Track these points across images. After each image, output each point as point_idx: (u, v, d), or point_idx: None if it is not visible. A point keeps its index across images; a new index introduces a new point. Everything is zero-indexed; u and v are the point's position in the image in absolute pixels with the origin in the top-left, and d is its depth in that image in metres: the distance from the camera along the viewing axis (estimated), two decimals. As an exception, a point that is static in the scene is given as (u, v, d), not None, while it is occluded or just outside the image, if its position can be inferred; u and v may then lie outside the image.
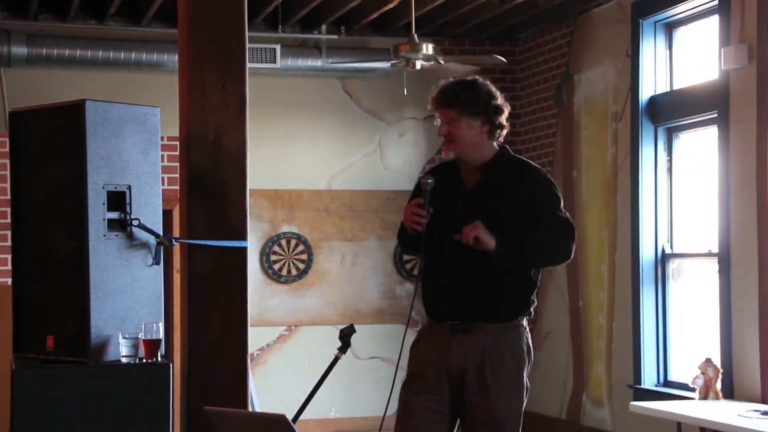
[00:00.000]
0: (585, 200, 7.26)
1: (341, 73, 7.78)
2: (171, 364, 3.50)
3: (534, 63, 7.94)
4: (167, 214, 6.99)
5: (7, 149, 3.67)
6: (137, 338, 3.45)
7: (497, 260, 3.44)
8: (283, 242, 7.76)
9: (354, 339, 3.84)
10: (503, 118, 3.57)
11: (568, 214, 3.55)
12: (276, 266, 7.73)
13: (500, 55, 7.20)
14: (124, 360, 3.44)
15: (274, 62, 7.32)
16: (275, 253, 7.74)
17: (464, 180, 3.58)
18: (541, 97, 7.86)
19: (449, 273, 3.52)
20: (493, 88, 3.59)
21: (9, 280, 4.79)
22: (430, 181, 3.50)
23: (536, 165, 3.63)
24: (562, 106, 7.58)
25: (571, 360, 7.37)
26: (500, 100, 3.57)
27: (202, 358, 3.64)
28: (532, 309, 3.58)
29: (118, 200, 3.48)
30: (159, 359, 3.49)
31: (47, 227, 3.54)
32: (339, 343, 3.81)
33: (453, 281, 3.51)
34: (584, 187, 7.28)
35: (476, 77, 3.63)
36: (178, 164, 3.86)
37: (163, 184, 3.68)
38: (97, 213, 3.42)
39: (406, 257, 7.86)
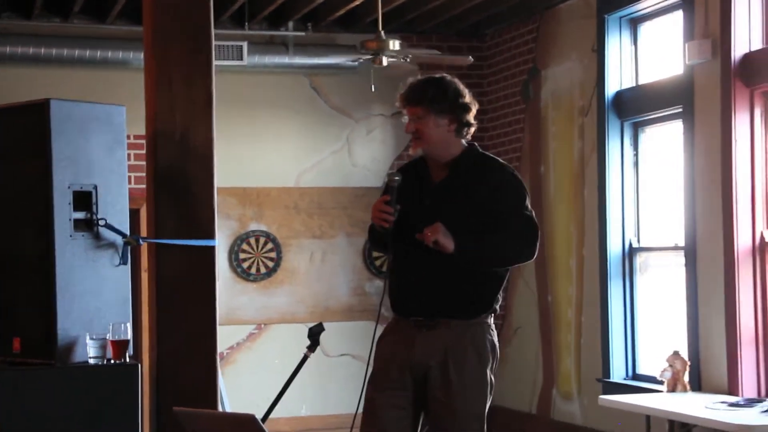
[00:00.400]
0: (552, 195, 7.28)
1: (308, 69, 7.75)
2: (139, 365, 3.49)
3: (501, 59, 7.96)
4: (134, 213, 6.91)
5: (-30, 149, 3.62)
6: (105, 339, 3.42)
7: (457, 260, 3.45)
8: (252, 240, 7.72)
9: (324, 336, 3.82)
10: (471, 116, 3.57)
11: (533, 213, 3.56)
12: (245, 264, 7.70)
13: (467, 51, 7.23)
14: (91, 361, 3.42)
15: (241, 59, 7.28)
16: (244, 251, 7.70)
17: (432, 177, 3.59)
18: (508, 93, 7.87)
19: (415, 270, 3.52)
20: (461, 86, 3.59)
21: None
22: (397, 178, 3.51)
23: (504, 162, 3.63)
24: (529, 101, 7.60)
25: (540, 354, 7.40)
26: (468, 97, 3.58)
27: (170, 358, 3.62)
28: (497, 306, 3.58)
29: (84, 200, 3.46)
30: (127, 360, 3.47)
31: (13, 227, 3.51)
32: (309, 342, 3.79)
33: (419, 278, 3.51)
34: (552, 182, 7.30)
35: (444, 75, 3.63)
36: (144, 163, 3.83)
37: (129, 183, 3.66)
38: (63, 213, 3.40)
39: (375, 254, 7.85)
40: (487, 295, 3.54)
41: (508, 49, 7.85)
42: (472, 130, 3.60)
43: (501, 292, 3.58)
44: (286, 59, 7.57)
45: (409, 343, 3.50)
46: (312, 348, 3.64)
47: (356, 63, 6.56)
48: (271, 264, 7.75)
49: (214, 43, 3.71)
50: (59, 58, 7.15)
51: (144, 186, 3.80)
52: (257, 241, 7.74)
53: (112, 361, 3.44)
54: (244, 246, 7.71)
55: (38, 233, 3.43)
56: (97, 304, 3.48)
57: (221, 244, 7.55)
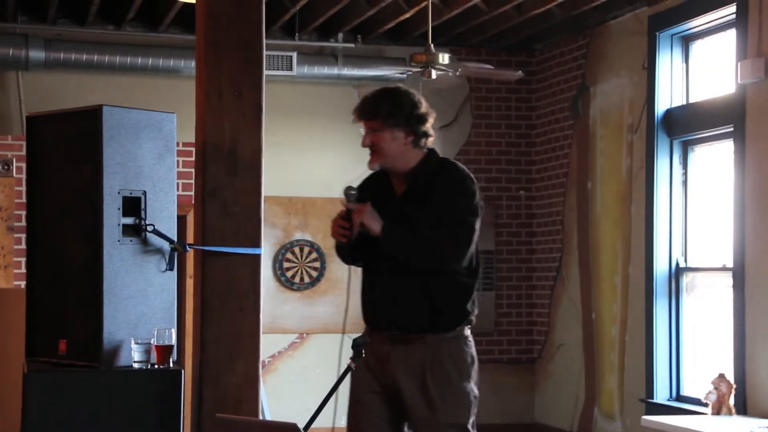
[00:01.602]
0: (599, 212, 7.24)
1: (357, 81, 7.78)
2: (183, 371, 3.50)
3: (550, 74, 7.93)
4: (181, 220, 7.01)
5: (24, 153, 3.68)
6: (149, 344, 3.45)
7: (383, 249, 3.40)
8: (297, 249, 7.76)
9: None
10: (428, 127, 3.52)
11: (474, 219, 3.44)
12: (289, 273, 7.73)
13: (516, 66, 7.21)
14: (136, 365, 3.44)
15: (291, 70, 7.33)
16: (288, 260, 7.74)
17: (395, 190, 3.56)
18: (556, 108, 7.84)
19: (384, 284, 3.49)
20: (417, 97, 3.55)
21: (23, 284, 4.80)
22: (353, 192, 3.47)
23: (458, 165, 3.56)
24: (577, 117, 7.56)
25: (583, 372, 7.34)
26: (424, 108, 3.53)
27: (213, 364, 3.65)
28: (472, 318, 3.53)
29: (133, 206, 3.48)
30: (171, 365, 3.49)
31: (62, 232, 3.54)
32: (351, 352, 3.80)
33: (388, 293, 3.47)
34: (599, 199, 7.26)
35: (399, 86, 3.59)
36: (193, 170, 3.87)
37: (177, 190, 3.68)
38: (112, 218, 3.43)
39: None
40: (458, 306, 3.48)
41: (557, 64, 7.83)
42: (431, 140, 3.55)
43: (472, 301, 3.52)
44: (335, 70, 7.61)
45: (384, 358, 3.45)
46: (356, 358, 3.64)
47: (405, 75, 6.57)
48: (314, 273, 7.77)
49: (264, 53, 3.74)
50: (112, 65, 7.24)
51: (191, 193, 3.84)
52: (301, 250, 7.77)
53: (156, 366, 3.46)
54: (289, 255, 7.74)
55: (87, 237, 3.46)
56: (142, 308, 3.51)
57: (266, 252, 7.58)
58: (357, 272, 8.30)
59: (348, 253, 3.53)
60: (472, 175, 3.55)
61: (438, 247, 3.41)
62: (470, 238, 3.44)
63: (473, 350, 3.53)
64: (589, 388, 7.28)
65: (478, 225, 3.48)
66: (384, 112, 3.47)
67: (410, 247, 3.41)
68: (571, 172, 7.63)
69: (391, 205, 3.50)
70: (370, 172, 3.65)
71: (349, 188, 3.49)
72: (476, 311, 3.55)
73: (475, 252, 3.51)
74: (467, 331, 3.52)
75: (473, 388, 3.49)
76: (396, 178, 3.56)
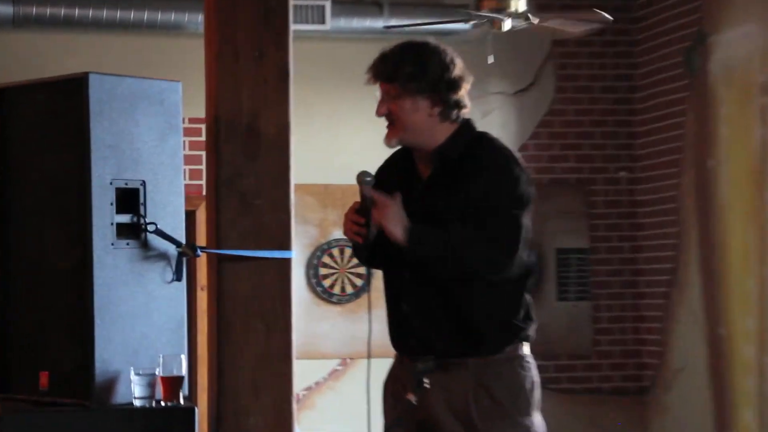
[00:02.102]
0: (725, 197, 7.18)
1: (408, 36, 7.76)
2: (196, 409, 3.53)
3: (657, 21, 7.88)
4: (190, 216, 7.04)
5: (-9, 134, 3.72)
6: (154, 375, 3.48)
7: (407, 256, 3.44)
8: (335, 252, 7.77)
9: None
10: (461, 94, 3.54)
11: (521, 217, 3.44)
12: (326, 282, 7.75)
13: (614, 12, 7.15)
14: (137, 403, 3.47)
15: (324, 23, 7.34)
16: (325, 265, 7.76)
17: (420, 173, 3.57)
18: (666, 65, 7.79)
19: (407, 298, 3.52)
20: (449, 55, 3.55)
21: (-8, 301, 4.86)
22: (368, 179, 3.50)
23: (500, 144, 3.55)
24: (693, 75, 7.51)
25: (710, 404, 7.29)
26: (457, 70, 3.53)
27: (234, 400, 3.66)
28: (529, 332, 3.52)
29: (129, 199, 3.51)
30: (181, 402, 3.51)
31: (41, 234, 3.58)
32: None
33: (415, 307, 3.50)
34: (723, 180, 7.20)
35: (427, 41, 3.58)
36: (203, 153, 3.89)
37: (185, 179, 3.71)
38: (104, 216, 3.46)
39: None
40: (505, 320, 3.48)
41: (666, 8, 7.77)
42: (466, 111, 3.56)
43: (525, 312, 3.51)
44: (379, 22, 7.60)
45: (419, 393, 3.48)
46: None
47: (470, 27, 6.56)
48: (359, 282, 7.78)
49: (290, 1, 3.75)
50: (98, 21, 7.28)
51: (202, 182, 3.86)
52: (342, 252, 7.78)
53: (163, 403, 3.49)
54: (326, 259, 7.75)
55: (72, 241, 3.49)
56: (144, 330, 3.53)
57: (297, 256, 7.61)
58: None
59: (368, 254, 3.57)
60: (516, 154, 3.55)
61: (478, 253, 3.41)
62: (517, 238, 3.43)
63: (534, 373, 3.53)
64: (719, 422, 7.23)
65: (527, 220, 3.46)
66: (405, 74, 3.49)
67: (443, 256, 3.41)
68: (686, 146, 7.57)
69: (414, 194, 3.52)
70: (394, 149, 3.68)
71: (363, 174, 3.53)
72: (534, 324, 3.54)
73: (527, 252, 3.50)
74: (524, 350, 3.52)
75: (537, 422, 3.49)
76: (421, 159, 3.58)
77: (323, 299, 7.76)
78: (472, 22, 6.52)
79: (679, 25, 7.65)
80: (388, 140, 3.57)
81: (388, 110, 3.54)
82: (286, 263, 3.73)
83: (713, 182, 7.30)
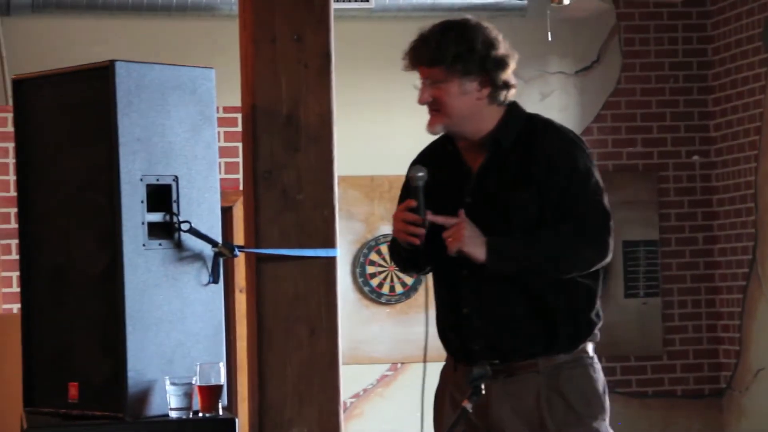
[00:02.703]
0: (808, 182, 7.12)
1: (459, 12, 7.75)
2: (236, 420, 3.54)
3: (731, -11, 7.82)
4: (227, 214, 7.07)
5: (11, 129, 3.74)
6: (190, 385, 3.49)
7: (490, 271, 3.43)
8: (384, 248, 7.77)
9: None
10: (509, 74, 3.51)
11: (605, 202, 3.46)
12: (374, 282, 7.76)
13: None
14: (173, 414, 3.49)
15: (367, 1, 7.34)
16: (373, 263, 7.76)
17: (467, 162, 3.56)
18: (742, 37, 7.73)
19: (471, 297, 3.51)
20: (493, 32, 3.53)
21: (16, 307, 4.89)
22: (421, 174, 3.48)
23: (559, 125, 3.56)
24: (772, 49, 7.45)
25: (792, 408, 7.25)
26: (503, 47, 3.52)
27: (277, 411, 3.68)
28: (597, 331, 3.53)
29: (161, 197, 3.52)
30: (220, 412, 3.53)
31: (68, 235, 3.60)
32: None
33: (478, 307, 3.50)
34: (807, 164, 7.14)
35: (468, 18, 3.56)
36: (240, 145, 3.90)
37: (220, 173, 3.72)
38: (134, 215, 3.47)
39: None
40: (580, 316, 3.49)
41: (741, -23, 7.72)
42: (512, 92, 3.54)
43: (597, 309, 3.52)
44: (428, -1, 7.60)
45: (482, 405, 3.43)
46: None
47: (526, 2, 6.53)
48: (409, 281, 7.78)
49: (332, -20, 3.76)
50: (123, 5, 7.31)
51: (240, 176, 3.87)
52: (391, 249, 7.79)
53: (201, 414, 3.50)
54: (373, 256, 7.76)
55: (100, 243, 3.50)
56: (179, 336, 3.54)
57: (341, 253, 7.59)
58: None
59: (416, 258, 3.55)
60: (576, 133, 3.57)
61: (572, 254, 3.42)
62: (608, 225, 3.45)
63: (602, 376, 3.54)
64: (801, 430, 7.18)
65: (608, 204, 3.48)
66: (450, 54, 3.47)
67: (532, 267, 3.43)
68: (766, 126, 7.51)
69: (464, 187, 3.51)
70: (435, 137, 3.69)
71: (416, 169, 3.50)
72: (601, 322, 3.55)
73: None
74: (591, 350, 3.54)
75: (607, 428, 3.50)
76: (468, 148, 3.57)
77: (371, 300, 7.76)
78: (528, -3, 6.50)
79: (751, 8, 7.59)
80: (432, 128, 3.58)
81: (432, 97, 3.53)
82: (331, 262, 3.75)
83: (795, 166, 7.24)
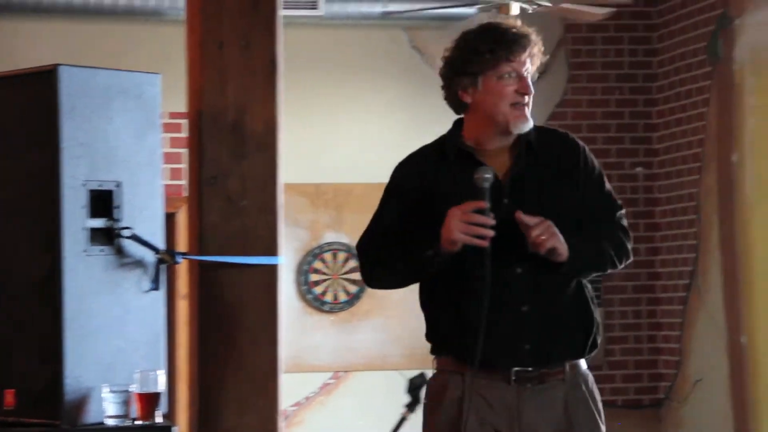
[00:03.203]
0: (751, 195, 7.17)
1: (408, 22, 7.76)
2: (175, 428, 3.51)
3: (679, 3, 7.88)
4: (170, 220, 7.04)
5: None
6: (129, 392, 3.47)
7: (566, 270, 3.47)
8: (328, 256, 7.77)
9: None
10: None
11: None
12: (318, 289, 7.75)
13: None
14: (110, 422, 3.46)
15: (316, 8, 7.34)
16: (317, 271, 7.75)
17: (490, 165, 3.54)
18: (687, 51, 7.79)
19: (530, 296, 3.48)
20: None
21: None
22: (488, 175, 3.44)
23: (565, 132, 3.68)
24: (718, 62, 7.50)
25: (730, 417, 7.29)
26: None
27: (217, 419, 3.67)
28: None
29: (103, 202, 3.50)
30: (159, 420, 3.50)
31: (6, 240, 3.57)
32: (406, 398, 3.80)
33: (539, 306, 3.48)
34: (749, 176, 7.19)
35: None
36: (185, 151, 3.88)
37: (164, 179, 3.70)
38: (75, 220, 3.45)
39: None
40: (595, 316, 3.57)
41: (687, -11, 7.77)
42: None
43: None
44: (377, 7, 7.60)
45: (509, 410, 3.46)
46: (412, 406, 3.63)
47: (475, 12, 6.54)
48: (353, 289, 7.78)
49: (280, -14, 3.75)
50: (69, 7, 7.27)
51: (184, 182, 3.85)
52: (335, 257, 7.78)
53: (139, 422, 3.48)
54: (317, 264, 7.75)
55: (41, 248, 3.48)
56: (118, 343, 3.52)
57: (285, 261, 7.58)
58: (413, 285, 8.33)
59: (486, 262, 3.43)
60: None
61: (623, 248, 3.57)
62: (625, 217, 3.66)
63: None
64: (739, 441, 7.23)
65: None
66: (538, 51, 3.57)
67: (600, 261, 3.55)
68: (708, 139, 7.56)
69: (497, 197, 3.46)
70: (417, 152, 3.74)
71: (483, 170, 3.45)
72: None
73: None
74: None
75: None
76: (486, 152, 3.55)
77: (315, 308, 7.75)
78: (477, 6, 6.51)
79: (702, 7, 7.64)
80: (526, 124, 3.52)
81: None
82: (274, 270, 3.74)
83: (737, 179, 7.29)
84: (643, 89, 8.20)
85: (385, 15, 7.61)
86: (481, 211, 3.42)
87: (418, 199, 3.57)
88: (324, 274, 7.78)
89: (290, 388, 7.44)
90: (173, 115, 5.70)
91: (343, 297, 7.78)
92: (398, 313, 7.81)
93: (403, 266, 3.59)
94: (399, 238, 3.55)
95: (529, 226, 3.38)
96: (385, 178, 8.72)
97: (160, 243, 3.59)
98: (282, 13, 3.77)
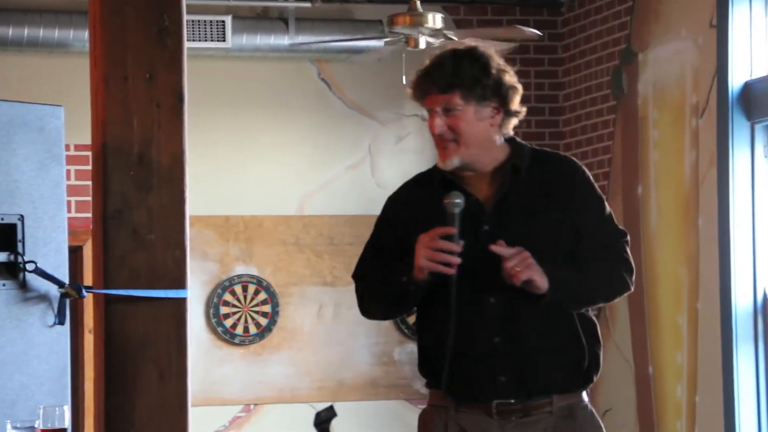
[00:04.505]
0: (655, 226, 7.24)
1: (316, 54, 7.77)
2: (81, 465, 3.47)
3: (583, 37, 7.95)
4: (76, 254, 6.98)
5: None
6: (33, 428, 3.42)
7: (546, 303, 3.37)
8: (238, 289, 7.73)
9: (337, 423, 3.81)
10: (517, 101, 3.48)
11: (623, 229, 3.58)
12: (228, 322, 7.70)
13: (536, 27, 7.22)
14: (14, 459, 3.41)
15: (224, 40, 7.32)
16: (227, 303, 7.71)
17: (474, 193, 3.47)
18: (592, 85, 7.86)
19: (503, 326, 3.40)
20: (501, 59, 3.49)
21: None
22: (458, 201, 3.37)
23: (564, 154, 3.64)
24: (621, 96, 7.58)
25: (638, 448, 7.34)
26: (513, 76, 3.48)
27: (125, 454, 3.62)
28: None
29: (5, 236, 3.48)
30: (64, 457, 3.46)
31: None
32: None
33: (512, 337, 3.39)
34: (653, 209, 7.26)
35: (475, 45, 3.49)
36: (90, 184, 3.84)
37: (69, 212, 3.67)
38: (-23, 254, 3.42)
39: (408, 308, 7.83)
40: (595, 347, 3.49)
41: (592, 23, 7.85)
42: (515, 121, 3.52)
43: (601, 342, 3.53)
44: (284, 39, 7.60)
45: None
46: None
47: (383, 45, 6.57)
48: (264, 321, 7.75)
49: (185, 17, 3.72)
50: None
51: (89, 215, 3.81)
52: (245, 289, 7.74)
53: (44, 460, 3.44)
54: (227, 296, 7.71)
55: (-58, 281, 3.45)
56: (22, 379, 3.49)
57: (195, 294, 7.55)
58: (323, 318, 8.32)
59: (451, 291, 3.38)
60: None
61: (616, 278, 3.46)
62: (628, 249, 3.52)
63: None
64: (647, 470, 7.27)
65: None
66: (468, 78, 3.38)
67: (586, 294, 3.44)
68: (613, 172, 7.63)
69: (477, 216, 3.41)
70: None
71: (454, 196, 3.38)
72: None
73: None
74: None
75: None
76: (471, 179, 3.47)
77: (225, 340, 7.70)
78: (385, 39, 6.53)
79: (606, 42, 7.72)
80: (448, 161, 3.41)
81: (447, 126, 3.40)
82: (182, 303, 3.70)
83: (642, 211, 7.35)
84: (549, 122, 8.26)
85: (293, 47, 7.61)
86: (449, 238, 3.35)
87: (405, 227, 3.49)
88: (234, 306, 7.73)
89: (200, 421, 7.37)
90: (79, 147, 5.66)
91: (253, 329, 7.75)
92: (309, 346, 7.79)
93: (384, 294, 3.53)
94: (386, 265, 3.50)
95: (504, 257, 3.31)
96: (293, 211, 8.73)
97: (65, 277, 3.56)
98: (188, 45, 3.76)
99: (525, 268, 3.30)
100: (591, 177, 3.52)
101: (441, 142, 3.43)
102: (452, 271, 3.34)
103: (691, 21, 6.98)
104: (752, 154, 6.60)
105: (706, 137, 6.83)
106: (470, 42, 3.53)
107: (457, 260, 3.33)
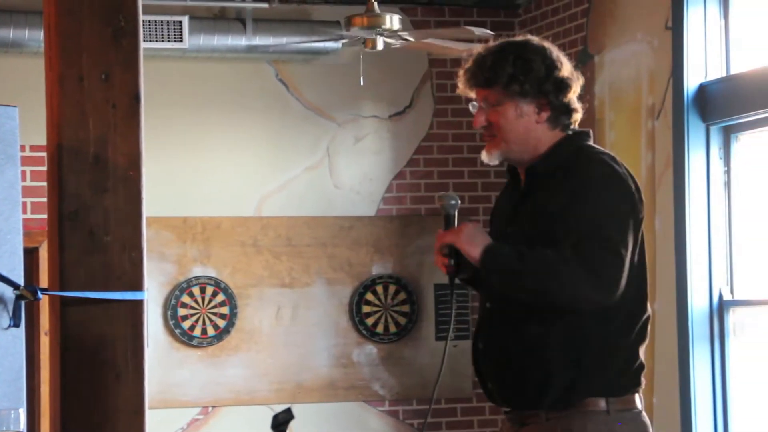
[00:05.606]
0: (612, 227, 7.26)
1: (274, 55, 7.76)
2: (37, 468, 3.45)
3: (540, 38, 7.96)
4: (31, 255, 6.94)
5: None
6: (-12, 431, 3.40)
7: (483, 276, 3.30)
8: (196, 290, 7.71)
9: (295, 426, 3.81)
10: (571, 97, 3.38)
11: (618, 241, 3.23)
12: (186, 324, 7.68)
13: (493, 29, 7.23)
14: (-31, 463, 3.39)
15: (181, 41, 7.30)
16: (185, 305, 7.69)
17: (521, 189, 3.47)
18: (549, 87, 7.88)
19: (487, 333, 3.39)
20: (555, 53, 3.41)
21: None
22: (452, 202, 3.37)
23: (600, 157, 3.37)
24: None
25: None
26: (566, 70, 3.38)
27: (81, 457, 3.60)
28: (642, 376, 3.34)
29: (-41, 238, 3.44)
30: (20, 460, 3.44)
31: None
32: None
33: (489, 345, 3.37)
34: (611, 210, 7.28)
35: (529, 39, 3.46)
36: (45, 185, 3.82)
37: (25, 213, 3.64)
38: (-70, 256, 3.38)
39: (365, 309, 7.82)
40: (597, 360, 3.27)
41: (549, 25, 7.87)
42: (577, 117, 3.42)
43: (622, 357, 3.30)
44: (242, 40, 7.59)
45: None
46: None
47: (340, 46, 6.56)
48: (222, 323, 7.73)
49: (142, 18, 3.71)
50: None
51: (45, 216, 3.79)
52: (203, 291, 7.72)
53: (-1, 463, 3.42)
54: (185, 298, 7.69)
55: None
56: (-23, 382, 3.46)
57: (153, 296, 7.52)
58: (282, 320, 8.32)
59: (449, 289, 3.41)
60: (621, 168, 3.34)
61: (567, 283, 3.20)
62: (614, 264, 3.21)
63: (638, 429, 3.33)
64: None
65: (628, 245, 3.25)
66: (506, 75, 3.34)
67: (522, 278, 3.23)
68: (571, 173, 7.66)
69: (503, 225, 3.46)
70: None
71: (447, 197, 3.38)
72: (641, 364, 3.34)
73: (632, 283, 3.28)
74: (622, 402, 3.32)
75: None
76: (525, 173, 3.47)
77: (182, 342, 7.68)
78: (342, 41, 6.53)
79: (563, 43, 7.74)
80: (489, 155, 3.38)
81: (487, 121, 3.37)
82: (138, 305, 3.68)
83: (600, 212, 7.38)
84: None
85: (251, 48, 7.60)
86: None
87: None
88: (192, 308, 7.71)
89: (157, 424, 7.35)
90: (34, 148, 5.62)
91: (211, 331, 7.72)
92: (267, 348, 7.78)
93: None
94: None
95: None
96: (251, 212, 8.69)
97: (20, 279, 3.53)
98: (145, 45, 3.74)
99: (454, 235, 3.29)
100: (604, 185, 3.30)
101: (484, 136, 3.43)
102: (444, 270, 3.36)
103: (646, 23, 7.01)
104: (707, 155, 6.64)
105: (661, 139, 6.86)
106: (524, 36, 3.51)
107: (445, 261, 3.33)
